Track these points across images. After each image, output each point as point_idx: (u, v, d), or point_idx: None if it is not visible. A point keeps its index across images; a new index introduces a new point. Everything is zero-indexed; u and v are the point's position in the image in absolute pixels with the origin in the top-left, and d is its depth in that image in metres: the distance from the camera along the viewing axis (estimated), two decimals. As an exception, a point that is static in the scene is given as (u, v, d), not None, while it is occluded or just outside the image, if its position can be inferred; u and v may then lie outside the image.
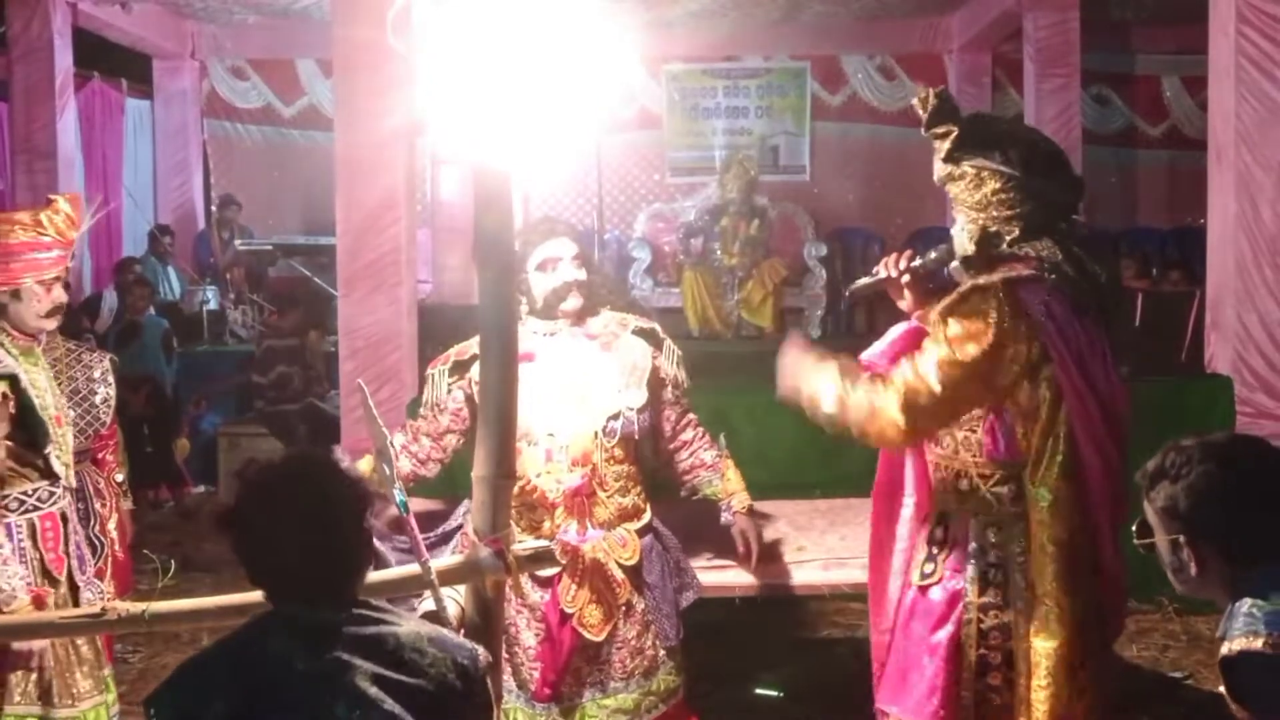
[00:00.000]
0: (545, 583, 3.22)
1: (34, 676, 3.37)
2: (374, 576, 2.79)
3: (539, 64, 2.44)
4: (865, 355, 3.09)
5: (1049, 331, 2.69)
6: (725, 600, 3.84)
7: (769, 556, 3.63)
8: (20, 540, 3.34)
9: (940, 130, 2.83)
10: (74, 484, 3.51)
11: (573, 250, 3.31)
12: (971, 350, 2.66)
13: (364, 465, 3.30)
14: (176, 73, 11.87)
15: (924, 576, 2.87)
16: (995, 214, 2.78)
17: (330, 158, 6.03)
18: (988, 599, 2.79)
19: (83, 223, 3.56)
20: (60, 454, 3.42)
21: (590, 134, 9.67)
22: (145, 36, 10.90)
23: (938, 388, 2.64)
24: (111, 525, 3.69)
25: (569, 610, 3.21)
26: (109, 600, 3.45)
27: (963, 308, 2.74)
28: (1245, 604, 1.96)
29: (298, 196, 11.94)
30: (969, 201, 2.81)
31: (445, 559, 2.88)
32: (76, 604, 3.41)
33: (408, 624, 1.98)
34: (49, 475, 3.40)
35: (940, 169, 2.85)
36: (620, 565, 3.26)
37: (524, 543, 2.85)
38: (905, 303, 3.07)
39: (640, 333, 3.41)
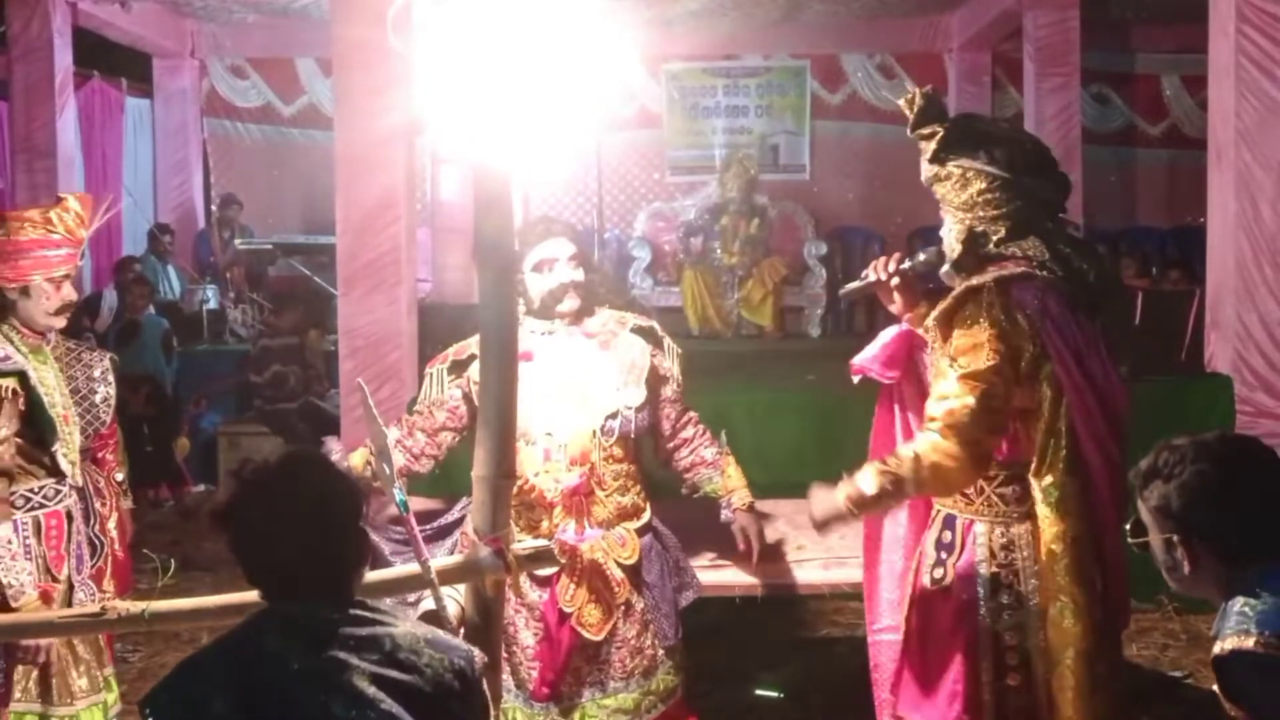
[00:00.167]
0: (544, 582, 3.22)
1: (35, 674, 3.38)
2: (374, 576, 2.79)
3: (539, 63, 2.44)
4: (857, 360, 3.10)
5: (1046, 328, 2.71)
6: (725, 600, 3.84)
7: (769, 555, 3.63)
8: (26, 537, 3.35)
9: (926, 131, 2.85)
10: (80, 482, 3.52)
11: (569, 251, 3.30)
12: (984, 357, 2.67)
13: (356, 460, 3.32)
14: (176, 72, 11.86)
15: (934, 581, 2.87)
16: (982, 214, 2.80)
17: (330, 157, 6.03)
18: (1001, 600, 2.79)
19: (93, 222, 3.57)
20: (67, 452, 3.44)
21: (590, 133, 9.67)
22: (145, 35, 10.90)
23: (973, 401, 2.65)
24: (111, 524, 3.69)
25: (568, 610, 3.20)
26: (108, 599, 3.47)
27: (959, 315, 2.75)
28: (1238, 603, 1.97)
29: (297, 195, 11.95)
30: (955, 202, 2.83)
31: (445, 558, 2.88)
32: (70, 603, 3.41)
33: (404, 624, 1.98)
34: (55, 473, 3.42)
35: (927, 169, 2.87)
36: (619, 564, 3.26)
37: (523, 542, 2.84)
38: (895, 305, 3.08)
39: (639, 331, 3.40)
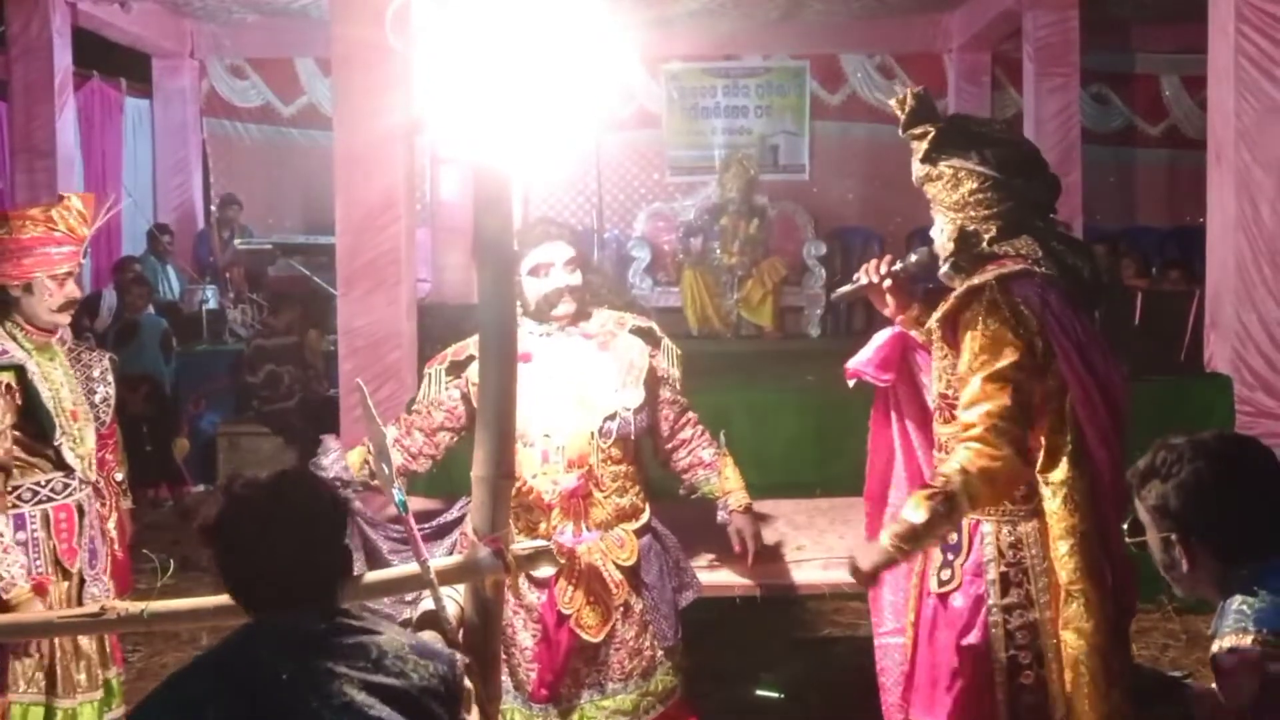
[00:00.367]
0: (542, 584, 3.21)
1: (41, 666, 3.40)
2: (373, 575, 2.80)
3: (538, 63, 2.44)
4: (852, 363, 3.10)
5: (1049, 323, 2.71)
6: (725, 600, 3.83)
7: (767, 556, 3.63)
8: (34, 530, 3.39)
9: (918, 131, 2.85)
10: (93, 478, 3.55)
11: (567, 255, 3.29)
12: (1005, 353, 2.67)
13: (354, 458, 3.32)
14: (176, 72, 11.86)
15: (942, 584, 2.86)
16: (973, 214, 2.81)
17: (330, 157, 6.03)
18: (1011, 599, 2.79)
19: (95, 220, 3.61)
20: (75, 446, 3.47)
21: (590, 133, 9.67)
22: (144, 35, 10.89)
23: (1007, 399, 2.64)
24: (111, 524, 3.70)
25: (566, 612, 3.20)
26: (108, 599, 3.48)
27: (964, 316, 2.74)
28: (1235, 601, 1.97)
29: (297, 195, 11.94)
30: (947, 202, 2.84)
31: (444, 558, 2.88)
32: (82, 598, 3.45)
33: (389, 632, 2.00)
34: (62, 467, 3.45)
35: (918, 169, 2.88)
36: (618, 566, 3.25)
37: (522, 543, 2.84)
38: (888, 308, 3.08)
39: (637, 331, 3.40)
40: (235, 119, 12.29)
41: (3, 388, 3.33)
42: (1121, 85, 12.22)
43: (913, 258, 3.03)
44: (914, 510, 2.63)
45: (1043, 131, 9.35)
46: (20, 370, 3.37)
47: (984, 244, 2.81)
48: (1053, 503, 2.71)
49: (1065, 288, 2.79)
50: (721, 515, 3.46)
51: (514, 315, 2.70)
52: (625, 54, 10.79)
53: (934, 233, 2.91)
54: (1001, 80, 11.84)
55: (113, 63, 11.21)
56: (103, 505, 3.67)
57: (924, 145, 2.83)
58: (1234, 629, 1.94)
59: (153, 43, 11.27)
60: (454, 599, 2.60)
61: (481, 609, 2.58)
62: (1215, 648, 1.98)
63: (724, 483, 3.44)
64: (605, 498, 3.26)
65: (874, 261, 3.08)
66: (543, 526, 3.22)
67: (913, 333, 3.07)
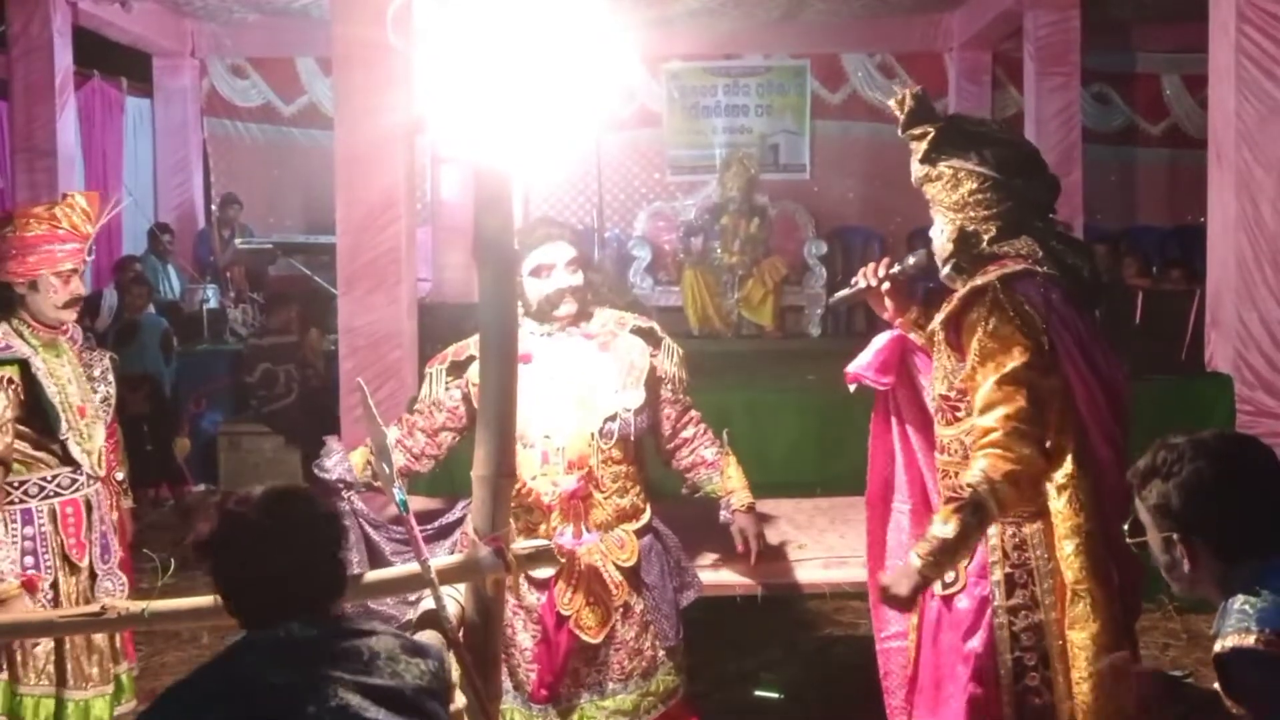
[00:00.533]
0: (542, 585, 3.21)
1: (50, 658, 3.43)
2: (374, 575, 2.80)
3: (539, 62, 2.44)
4: (851, 367, 3.09)
5: (1053, 322, 2.70)
6: (725, 600, 3.84)
7: (770, 555, 3.62)
8: (42, 525, 3.42)
9: (917, 131, 2.84)
10: (102, 474, 3.59)
11: (568, 256, 3.28)
12: (1015, 354, 2.65)
13: (357, 459, 3.32)
14: (176, 71, 11.86)
15: (946, 586, 2.84)
16: (973, 214, 2.80)
17: (330, 156, 6.03)
18: (1016, 601, 2.77)
19: (99, 218, 3.64)
20: (83, 442, 3.50)
21: (590, 132, 9.65)
22: (145, 35, 10.89)
23: (1023, 401, 2.62)
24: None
25: (565, 613, 3.20)
26: (124, 592, 3.53)
27: (968, 318, 2.73)
28: (1238, 600, 1.97)
29: (298, 195, 11.95)
30: (946, 202, 2.83)
31: (445, 557, 2.88)
32: (94, 592, 3.48)
33: (380, 634, 2.01)
34: (69, 462, 3.47)
35: (917, 170, 2.87)
36: (618, 566, 3.25)
37: (523, 542, 2.84)
38: (886, 311, 3.07)
39: (638, 331, 3.39)
40: (236, 118, 12.30)
41: (5, 381, 3.36)
42: (1122, 84, 12.21)
43: (910, 260, 3.02)
44: (943, 525, 2.60)
45: (1043, 131, 9.35)
46: (24, 365, 3.40)
47: (984, 244, 2.80)
48: (1057, 502, 2.70)
49: (1066, 287, 2.78)
50: (724, 515, 3.45)
51: (514, 315, 2.70)
52: (626, 53, 10.78)
53: (933, 233, 2.90)
54: (1002, 80, 11.83)
55: (113, 62, 11.22)
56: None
57: (923, 146, 2.83)
58: (1237, 629, 1.94)
59: (153, 42, 11.27)
60: (455, 598, 2.61)
61: (482, 608, 2.59)
62: (1218, 647, 1.97)
63: (726, 482, 3.43)
64: (605, 498, 3.26)
65: (872, 265, 3.07)
66: (543, 528, 3.21)
67: (912, 335, 3.06)
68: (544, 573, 3.14)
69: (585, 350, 3.31)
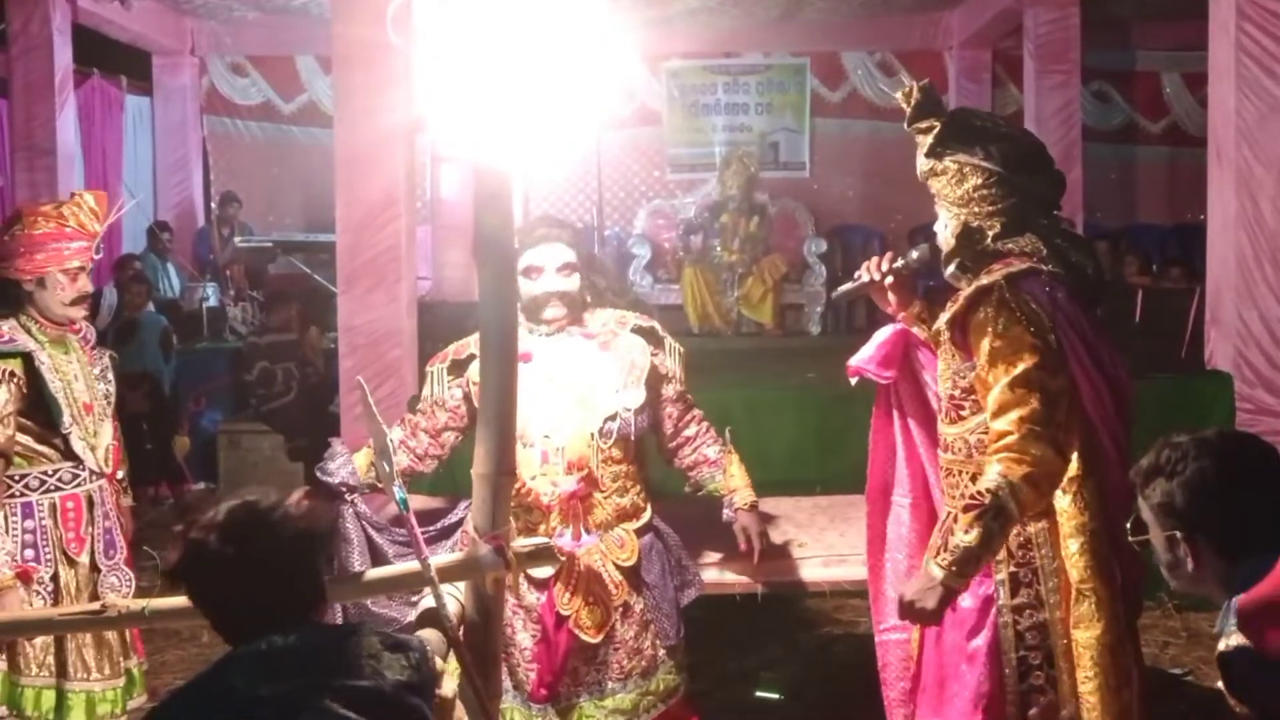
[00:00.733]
0: (541, 585, 3.21)
1: (51, 650, 3.45)
2: (374, 573, 2.80)
3: (539, 61, 2.44)
4: (854, 360, 3.08)
5: (1059, 321, 2.69)
6: (725, 599, 3.83)
7: (774, 554, 3.62)
8: (42, 519, 3.45)
9: (923, 125, 2.83)
10: (108, 470, 3.60)
11: (561, 258, 3.25)
12: (1025, 354, 2.64)
13: (360, 460, 3.31)
14: (176, 69, 11.85)
15: None
16: (977, 209, 2.79)
17: (330, 154, 6.02)
18: (1021, 600, 2.77)
19: (106, 217, 3.68)
20: (87, 438, 3.53)
21: (590, 131, 9.67)
22: (145, 33, 10.88)
23: (1036, 402, 2.60)
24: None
25: (565, 612, 3.20)
26: (130, 588, 3.56)
27: (974, 318, 2.72)
28: (1240, 599, 1.96)
29: (297, 193, 11.94)
30: (951, 197, 2.82)
31: (445, 556, 2.88)
32: (99, 588, 3.51)
33: (361, 634, 2.00)
34: (71, 457, 3.50)
35: (923, 163, 2.86)
36: (617, 566, 3.24)
37: (523, 541, 2.84)
38: (890, 305, 3.07)
39: (639, 331, 3.37)
40: (236, 116, 12.29)
41: (6, 374, 3.39)
42: (1122, 82, 12.21)
43: (914, 254, 3.01)
44: (964, 535, 2.57)
45: (1043, 129, 9.35)
46: (27, 359, 3.42)
47: (988, 240, 2.79)
48: (1062, 500, 2.70)
49: (1070, 285, 2.78)
50: (727, 513, 3.44)
51: (514, 313, 2.70)
52: (626, 52, 10.78)
53: (937, 228, 2.89)
54: (1002, 77, 11.83)
55: (113, 60, 11.21)
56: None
57: (929, 140, 2.81)
58: (1239, 628, 1.93)
59: (153, 40, 11.27)
60: (455, 597, 2.61)
61: (482, 607, 2.59)
62: (1222, 646, 1.97)
63: (729, 480, 3.42)
64: (605, 498, 3.25)
65: (875, 259, 3.06)
66: (542, 528, 3.20)
67: (914, 329, 3.05)
68: (543, 572, 3.14)
69: (585, 350, 3.30)
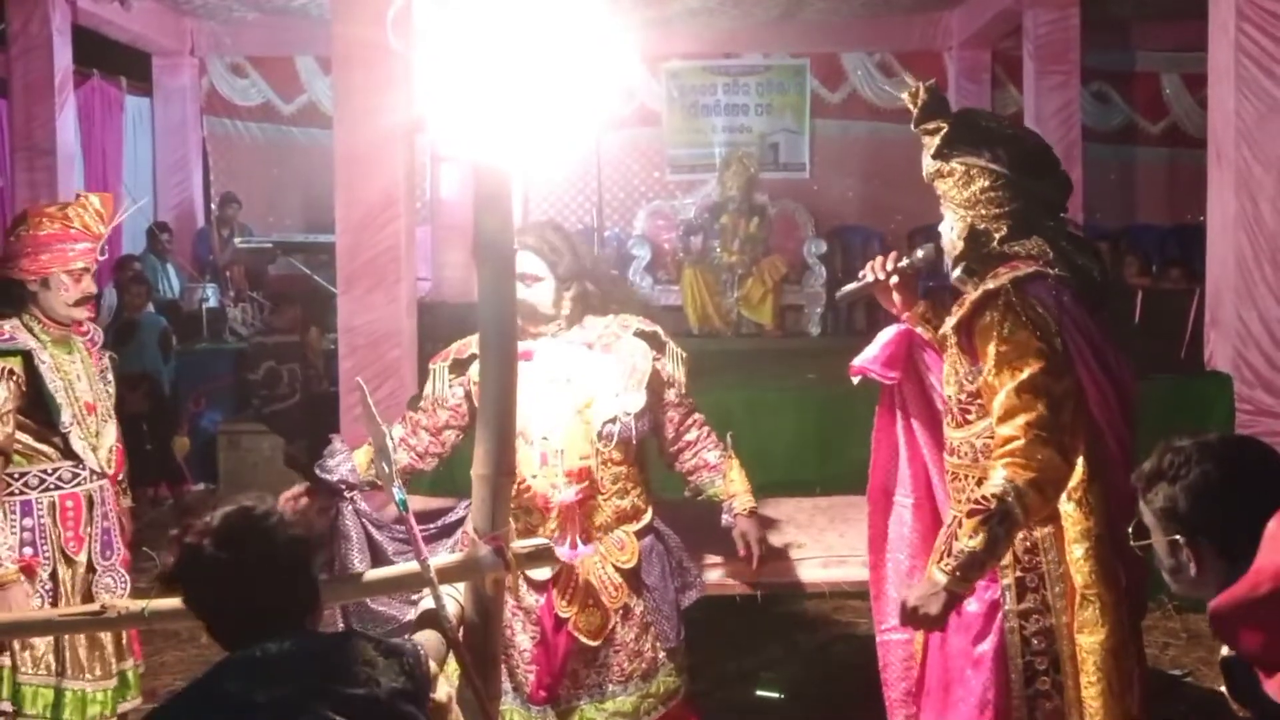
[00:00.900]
0: (540, 586, 3.20)
1: (50, 650, 3.46)
2: (374, 574, 2.80)
3: (538, 61, 2.44)
4: (858, 360, 3.07)
5: (1065, 325, 2.68)
6: (725, 600, 3.83)
7: (772, 559, 3.60)
8: (41, 517, 3.47)
9: (930, 126, 2.81)
10: (110, 471, 3.61)
11: (528, 268, 3.18)
12: (1031, 359, 2.62)
13: (360, 458, 3.31)
14: (176, 70, 11.85)
15: None
16: (984, 212, 2.77)
17: (330, 155, 6.03)
18: (1027, 605, 2.75)
19: (112, 218, 3.71)
20: (89, 438, 3.54)
21: (590, 131, 9.65)
22: (144, 34, 10.89)
23: (1042, 406, 2.59)
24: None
25: (563, 615, 3.19)
26: (125, 590, 3.57)
27: (980, 322, 2.70)
28: None
29: (297, 194, 11.94)
30: (957, 199, 2.80)
31: (444, 557, 2.88)
32: (94, 588, 3.52)
33: (354, 639, 2.01)
34: (70, 456, 3.51)
35: (929, 165, 2.84)
36: (617, 568, 3.23)
37: (522, 542, 2.83)
38: (894, 305, 3.06)
39: (642, 335, 3.35)
40: (235, 117, 12.29)
41: (6, 372, 3.39)
42: (1122, 83, 12.21)
43: (919, 254, 3.00)
44: (969, 541, 2.55)
45: (1043, 130, 9.32)
46: (27, 357, 3.43)
47: (994, 243, 2.77)
48: (1068, 505, 2.68)
49: (1076, 288, 2.76)
50: (726, 519, 3.42)
51: (514, 314, 2.69)
52: (625, 52, 10.77)
53: (943, 229, 2.87)
54: (1002, 78, 11.83)
55: (113, 61, 11.21)
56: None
57: (936, 141, 2.79)
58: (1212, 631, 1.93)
59: (153, 41, 11.27)
60: (454, 598, 2.60)
61: (482, 608, 2.59)
62: (1225, 650, 1.97)
63: (729, 486, 3.39)
64: (605, 500, 3.24)
65: (879, 259, 3.04)
66: (540, 532, 3.18)
67: (919, 329, 3.04)
68: (542, 574, 3.13)
69: (584, 353, 3.27)
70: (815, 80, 12.15)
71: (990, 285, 2.73)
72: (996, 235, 2.78)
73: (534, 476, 3.19)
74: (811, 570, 3.83)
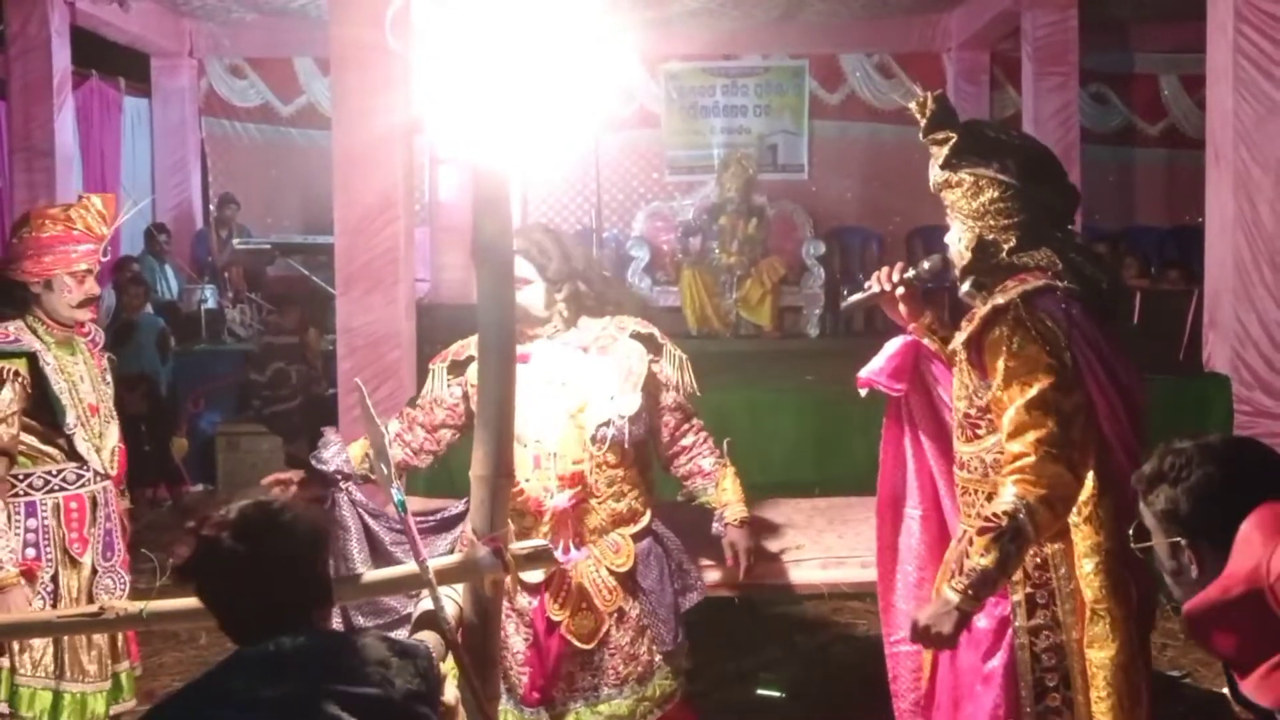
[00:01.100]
0: (533, 589, 3.20)
1: (49, 652, 3.46)
2: (373, 575, 2.80)
3: (537, 63, 2.44)
4: (864, 372, 3.05)
5: (1075, 339, 2.66)
6: (725, 600, 3.83)
7: (761, 569, 3.58)
8: (45, 518, 3.47)
9: (939, 136, 2.79)
10: (112, 472, 3.62)
11: (516, 271, 3.08)
12: (1040, 375, 2.60)
13: (355, 451, 3.32)
14: (174, 71, 11.85)
15: None
16: (992, 222, 2.75)
17: (328, 156, 6.03)
18: (1037, 621, 2.74)
19: (115, 219, 3.71)
20: (92, 439, 3.54)
21: (589, 133, 9.67)
22: (143, 35, 10.89)
23: (1051, 423, 2.57)
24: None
25: (556, 619, 3.19)
26: (125, 591, 3.58)
27: (990, 337, 2.69)
28: None
29: (296, 195, 11.94)
30: (966, 209, 2.78)
31: (443, 558, 2.88)
32: (93, 590, 3.52)
33: (367, 638, 2.00)
34: (75, 457, 3.51)
35: (937, 175, 2.81)
36: (612, 571, 3.22)
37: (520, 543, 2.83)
38: (900, 316, 3.04)
39: (638, 336, 3.33)
40: (234, 118, 12.29)
41: (11, 374, 3.40)
42: (1120, 85, 12.22)
43: (925, 265, 2.98)
44: (982, 556, 2.54)
45: (1041, 131, 9.35)
46: (32, 359, 3.44)
47: (1003, 254, 2.75)
48: (1077, 520, 2.67)
49: (1085, 300, 2.74)
50: (716, 528, 3.39)
51: (513, 315, 2.69)
52: (624, 54, 10.79)
53: (950, 239, 2.85)
54: (1000, 79, 11.84)
55: (111, 62, 11.20)
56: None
57: (944, 151, 2.77)
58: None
59: (151, 42, 11.27)
60: (453, 599, 2.60)
61: (480, 609, 2.58)
62: None
63: (721, 494, 3.37)
64: (600, 503, 3.23)
65: (885, 269, 3.02)
66: (533, 535, 3.16)
67: (925, 340, 3.02)
68: (534, 577, 3.13)
69: (580, 355, 3.27)
70: (814, 81, 12.15)
71: (999, 300, 2.71)
72: (1005, 246, 2.75)
73: (527, 480, 3.17)
74: (810, 571, 3.83)
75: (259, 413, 8.22)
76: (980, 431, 2.78)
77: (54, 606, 3.43)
